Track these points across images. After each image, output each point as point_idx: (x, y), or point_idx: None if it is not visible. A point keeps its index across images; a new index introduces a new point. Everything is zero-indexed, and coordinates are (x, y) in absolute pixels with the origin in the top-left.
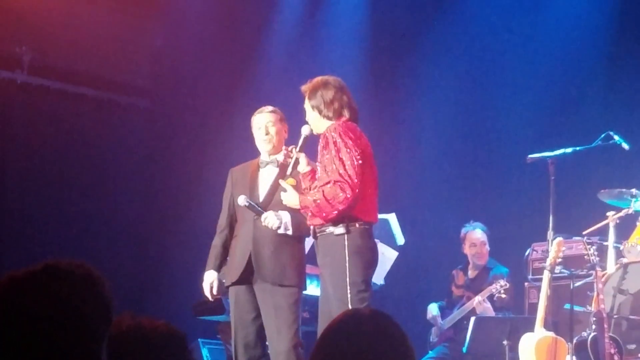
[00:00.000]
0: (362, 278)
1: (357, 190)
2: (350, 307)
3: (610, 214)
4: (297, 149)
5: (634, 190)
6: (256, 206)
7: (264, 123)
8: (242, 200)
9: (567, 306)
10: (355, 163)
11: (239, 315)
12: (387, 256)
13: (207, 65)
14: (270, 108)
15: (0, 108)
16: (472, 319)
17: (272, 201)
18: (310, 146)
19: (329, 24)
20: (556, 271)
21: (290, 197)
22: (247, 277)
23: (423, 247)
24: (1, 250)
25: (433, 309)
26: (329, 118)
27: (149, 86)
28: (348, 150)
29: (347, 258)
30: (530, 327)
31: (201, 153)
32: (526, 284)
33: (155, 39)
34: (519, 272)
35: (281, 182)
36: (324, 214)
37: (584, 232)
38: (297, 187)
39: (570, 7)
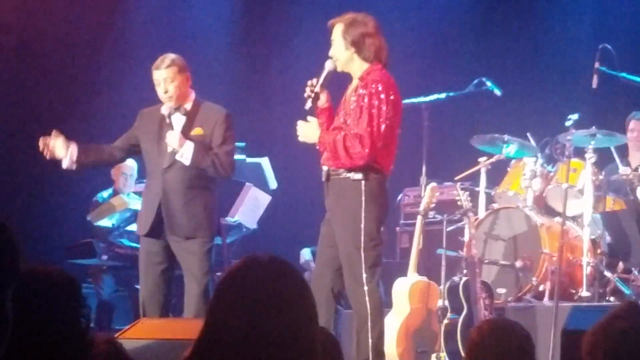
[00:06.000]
0: (376, 226)
1: (374, 151)
2: (364, 253)
3: (481, 159)
4: (319, 83)
5: (505, 136)
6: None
7: (161, 80)
8: (165, 109)
9: (439, 251)
10: (384, 124)
11: (149, 265)
12: (260, 200)
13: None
14: (167, 62)
15: None
16: None
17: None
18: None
19: None
20: (429, 216)
21: (310, 130)
22: (157, 229)
23: (295, 191)
24: None
25: (306, 254)
26: (365, 59)
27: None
28: (383, 107)
29: (363, 204)
30: (402, 272)
31: (68, 91)
32: (397, 228)
33: None
34: (391, 217)
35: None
36: (338, 160)
37: (456, 178)
38: (203, 137)
39: None
